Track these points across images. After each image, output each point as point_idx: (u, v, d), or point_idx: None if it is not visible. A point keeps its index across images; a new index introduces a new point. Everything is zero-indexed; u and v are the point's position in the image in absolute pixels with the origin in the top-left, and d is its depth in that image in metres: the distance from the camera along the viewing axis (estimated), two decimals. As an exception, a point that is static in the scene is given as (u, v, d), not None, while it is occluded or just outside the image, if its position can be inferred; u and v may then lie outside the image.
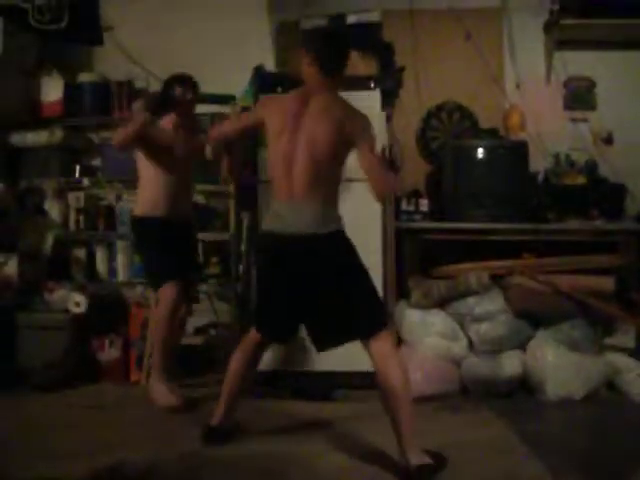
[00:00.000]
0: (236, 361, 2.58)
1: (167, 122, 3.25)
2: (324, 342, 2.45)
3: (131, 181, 3.62)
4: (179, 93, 3.21)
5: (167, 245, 3.20)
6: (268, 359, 3.44)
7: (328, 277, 2.36)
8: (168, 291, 3.13)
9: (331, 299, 2.37)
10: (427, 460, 2.26)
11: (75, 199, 4.11)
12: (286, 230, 2.38)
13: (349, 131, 2.36)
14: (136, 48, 4.23)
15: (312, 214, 2.36)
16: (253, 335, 2.57)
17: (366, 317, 2.39)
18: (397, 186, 2.71)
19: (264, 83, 3.49)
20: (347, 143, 2.39)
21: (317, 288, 2.37)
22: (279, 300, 2.47)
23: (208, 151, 3.04)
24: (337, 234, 2.41)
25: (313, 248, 2.36)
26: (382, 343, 2.36)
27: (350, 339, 2.41)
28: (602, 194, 3.79)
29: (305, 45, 2.53)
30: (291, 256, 2.39)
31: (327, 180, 2.40)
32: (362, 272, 2.43)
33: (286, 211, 2.40)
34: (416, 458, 2.24)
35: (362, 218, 3.34)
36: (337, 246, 2.41)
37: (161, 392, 3.07)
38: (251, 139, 3.38)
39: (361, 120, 2.42)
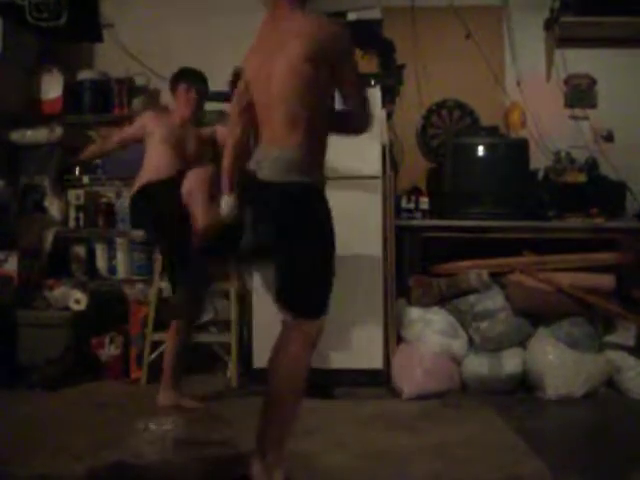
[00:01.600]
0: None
1: (175, 117, 3.21)
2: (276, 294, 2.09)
3: (131, 178, 3.60)
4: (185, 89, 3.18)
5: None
6: (267, 356, 3.44)
7: (280, 232, 2.00)
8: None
9: (279, 257, 2.04)
10: None
11: (75, 196, 4.11)
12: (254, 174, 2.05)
13: (324, 52, 1.95)
14: (136, 45, 4.22)
15: (273, 160, 1.99)
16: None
17: (302, 296, 2.02)
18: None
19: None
20: (323, 66, 1.96)
21: (273, 240, 2.04)
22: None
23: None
24: (299, 186, 1.98)
25: (271, 197, 1.99)
26: (301, 333, 2.00)
27: (283, 306, 2.04)
28: (602, 192, 3.78)
29: None
30: (255, 200, 2.08)
31: (304, 119, 1.97)
32: (320, 244, 2.02)
33: (256, 155, 2.07)
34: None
35: (362, 216, 3.35)
36: (295, 201, 1.98)
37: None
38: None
39: (338, 35, 2.00)
